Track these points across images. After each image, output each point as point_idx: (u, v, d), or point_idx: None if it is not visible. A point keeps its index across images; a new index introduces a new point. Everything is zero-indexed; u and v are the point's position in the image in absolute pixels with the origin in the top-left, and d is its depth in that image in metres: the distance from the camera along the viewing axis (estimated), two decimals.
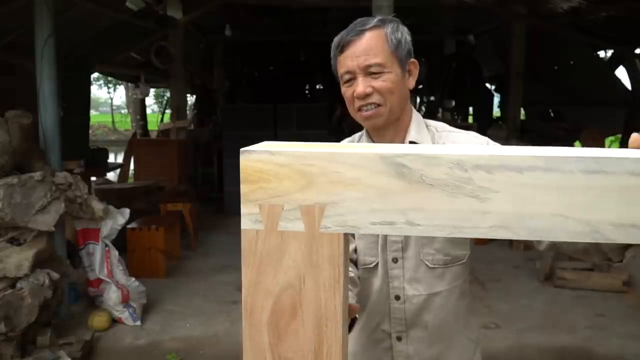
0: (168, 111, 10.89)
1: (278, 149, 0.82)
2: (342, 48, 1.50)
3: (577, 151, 0.80)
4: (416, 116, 1.62)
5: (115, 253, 4.60)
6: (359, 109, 1.51)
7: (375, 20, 1.53)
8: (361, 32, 1.49)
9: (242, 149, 0.80)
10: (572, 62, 9.80)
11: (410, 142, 1.55)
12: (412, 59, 1.55)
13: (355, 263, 1.63)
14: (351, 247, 1.52)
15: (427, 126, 1.61)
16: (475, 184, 0.80)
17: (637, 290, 5.25)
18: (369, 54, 1.48)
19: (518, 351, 4.11)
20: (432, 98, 14.54)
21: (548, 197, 0.78)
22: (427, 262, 1.55)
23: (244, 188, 0.80)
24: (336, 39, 1.54)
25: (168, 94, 13.45)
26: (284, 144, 0.87)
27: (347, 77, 1.51)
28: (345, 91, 1.53)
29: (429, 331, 1.57)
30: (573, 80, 9.53)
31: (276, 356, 0.86)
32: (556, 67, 10.12)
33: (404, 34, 1.55)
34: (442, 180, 0.80)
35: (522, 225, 0.80)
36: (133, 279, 4.64)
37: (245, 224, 0.83)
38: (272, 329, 0.86)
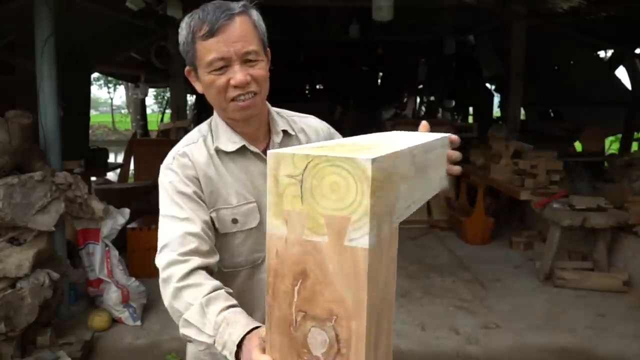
0: (168, 111, 10.85)
1: (394, 150, 0.84)
2: (211, 32, 1.39)
3: (433, 135, 1.29)
4: (269, 106, 1.61)
5: (115, 253, 4.59)
6: (233, 99, 1.43)
7: (240, 5, 1.44)
8: (231, 16, 1.40)
9: (371, 158, 0.73)
10: (572, 62, 9.78)
11: (283, 131, 1.58)
12: (267, 47, 1.53)
13: (213, 274, 1.45)
14: (215, 260, 1.42)
15: (279, 114, 1.64)
16: (427, 163, 1.08)
17: (637, 290, 5.25)
18: (245, 40, 1.41)
19: (518, 351, 4.11)
20: (432, 98, 14.51)
21: (436, 165, 1.22)
22: None
23: (372, 201, 0.74)
24: (195, 22, 1.42)
25: (168, 94, 13.42)
26: (360, 146, 0.93)
27: (219, 64, 1.40)
28: (215, 80, 1.42)
29: None
30: (573, 80, 9.51)
31: None
32: (556, 67, 10.10)
33: (262, 21, 1.51)
34: (423, 163, 1.04)
35: (432, 185, 1.18)
36: (133, 278, 4.63)
37: (371, 241, 0.76)
38: (376, 346, 0.85)
